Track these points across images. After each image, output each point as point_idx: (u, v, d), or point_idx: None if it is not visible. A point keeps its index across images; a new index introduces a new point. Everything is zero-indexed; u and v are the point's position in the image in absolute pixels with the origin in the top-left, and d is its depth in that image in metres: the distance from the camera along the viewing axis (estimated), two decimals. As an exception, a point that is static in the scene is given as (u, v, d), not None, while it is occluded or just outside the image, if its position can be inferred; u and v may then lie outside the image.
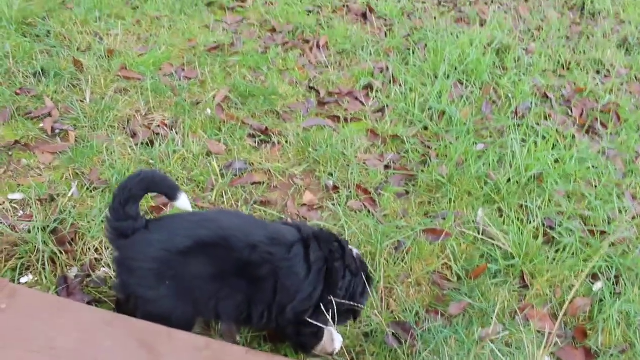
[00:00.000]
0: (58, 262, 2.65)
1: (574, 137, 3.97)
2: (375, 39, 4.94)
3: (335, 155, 3.51)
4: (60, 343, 1.80)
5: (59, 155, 3.27)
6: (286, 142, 3.62)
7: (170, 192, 2.19)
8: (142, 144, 3.40)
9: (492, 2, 6.10)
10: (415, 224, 3.14)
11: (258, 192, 3.23)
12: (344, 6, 5.48)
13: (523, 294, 2.88)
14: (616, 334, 2.70)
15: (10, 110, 3.48)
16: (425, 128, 3.93)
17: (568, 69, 4.94)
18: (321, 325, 2.25)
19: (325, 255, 2.24)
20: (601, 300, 2.86)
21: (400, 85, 4.28)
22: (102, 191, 3.03)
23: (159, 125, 3.56)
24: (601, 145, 3.94)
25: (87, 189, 3.05)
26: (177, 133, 3.52)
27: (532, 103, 4.28)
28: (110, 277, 2.61)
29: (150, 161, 3.27)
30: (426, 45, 4.83)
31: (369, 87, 4.29)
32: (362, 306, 2.38)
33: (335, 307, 2.23)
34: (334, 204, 3.22)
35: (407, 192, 3.40)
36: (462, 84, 4.39)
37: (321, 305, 2.21)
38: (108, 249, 2.70)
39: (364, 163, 3.53)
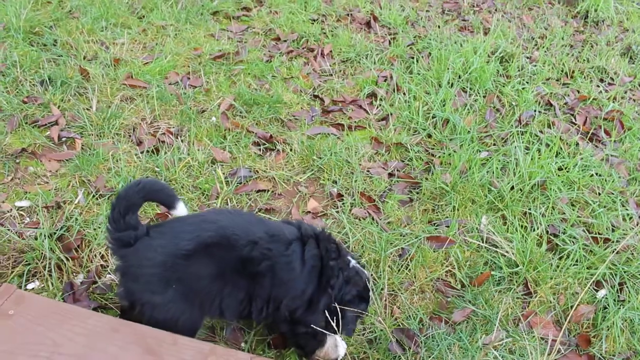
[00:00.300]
0: (64, 269, 2.68)
1: (577, 144, 3.98)
2: (379, 48, 4.96)
3: (339, 163, 3.53)
4: (67, 349, 1.82)
5: (66, 162, 3.30)
6: (291, 150, 3.64)
7: (169, 200, 2.21)
8: (147, 151, 3.43)
9: (496, 10, 6.12)
10: (419, 231, 3.15)
11: (263, 200, 3.25)
12: (348, 15, 5.51)
13: (526, 301, 2.89)
14: (620, 342, 2.70)
15: (18, 118, 3.51)
16: (429, 136, 3.95)
17: (572, 77, 4.95)
18: (316, 327, 2.26)
19: (321, 254, 2.27)
20: (605, 308, 2.86)
21: (404, 93, 4.30)
22: (108, 199, 3.05)
23: (164, 133, 3.59)
24: (605, 152, 3.95)
25: (93, 196, 3.07)
26: (182, 141, 3.54)
27: (535, 111, 4.29)
28: (116, 284, 2.63)
29: (156, 169, 3.30)
30: (430, 53, 4.85)
31: (373, 95, 4.31)
32: (364, 312, 2.39)
33: (336, 314, 2.25)
34: (338, 212, 3.23)
35: (411, 200, 3.42)
36: (465, 92, 4.40)
37: (315, 304, 2.23)
38: (113, 256, 2.72)
39: (368, 171, 3.54)
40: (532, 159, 3.65)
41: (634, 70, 5.17)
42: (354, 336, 2.59)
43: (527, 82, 4.68)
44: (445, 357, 2.51)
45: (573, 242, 3.18)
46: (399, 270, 2.93)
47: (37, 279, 2.65)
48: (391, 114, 4.08)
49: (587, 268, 3.04)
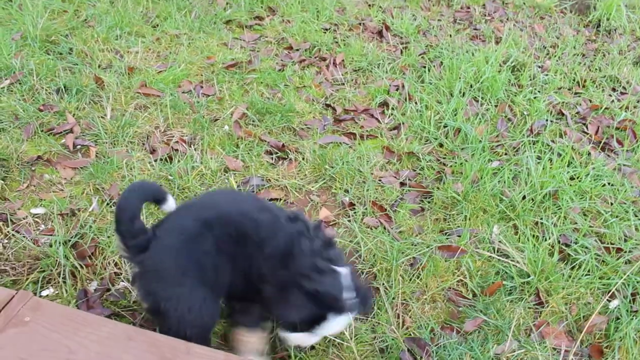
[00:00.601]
0: (78, 276, 2.71)
1: (589, 154, 3.97)
2: (391, 57, 4.98)
3: (351, 172, 3.54)
4: (82, 357, 1.84)
5: (80, 170, 3.34)
6: (303, 158, 3.66)
7: (161, 195, 2.26)
8: (160, 159, 3.46)
9: (508, 19, 6.12)
10: (430, 241, 3.15)
11: (275, 208, 3.26)
12: (360, 24, 5.53)
13: (538, 311, 2.88)
14: (633, 352, 2.69)
15: (34, 126, 3.56)
16: (441, 145, 3.95)
17: (584, 86, 4.94)
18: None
19: (299, 230, 2.23)
20: (617, 319, 2.85)
21: (415, 102, 4.31)
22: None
23: (177, 142, 3.62)
24: (617, 162, 3.93)
25: (107, 204, 3.11)
26: (195, 149, 3.57)
27: (547, 120, 4.29)
28: (129, 292, 2.65)
29: (169, 177, 3.32)
30: (442, 62, 4.86)
31: (384, 104, 4.32)
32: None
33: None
34: (349, 220, 3.24)
35: (423, 209, 3.42)
36: (477, 101, 4.41)
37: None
38: (127, 263, 2.75)
39: (380, 180, 3.55)
40: (543, 169, 3.64)
41: (647, 79, 5.15)
42: (366, 345, 2.60)
43: (539, 92, 4.67)
44: (456, 367, 2.51)
45: (585, 252, 3.17)
46: (410, 280, 2.93)
47: (52, 285, 2.68)
48: (403, 123, 4.09)
49: (600, 278, 3.03)
